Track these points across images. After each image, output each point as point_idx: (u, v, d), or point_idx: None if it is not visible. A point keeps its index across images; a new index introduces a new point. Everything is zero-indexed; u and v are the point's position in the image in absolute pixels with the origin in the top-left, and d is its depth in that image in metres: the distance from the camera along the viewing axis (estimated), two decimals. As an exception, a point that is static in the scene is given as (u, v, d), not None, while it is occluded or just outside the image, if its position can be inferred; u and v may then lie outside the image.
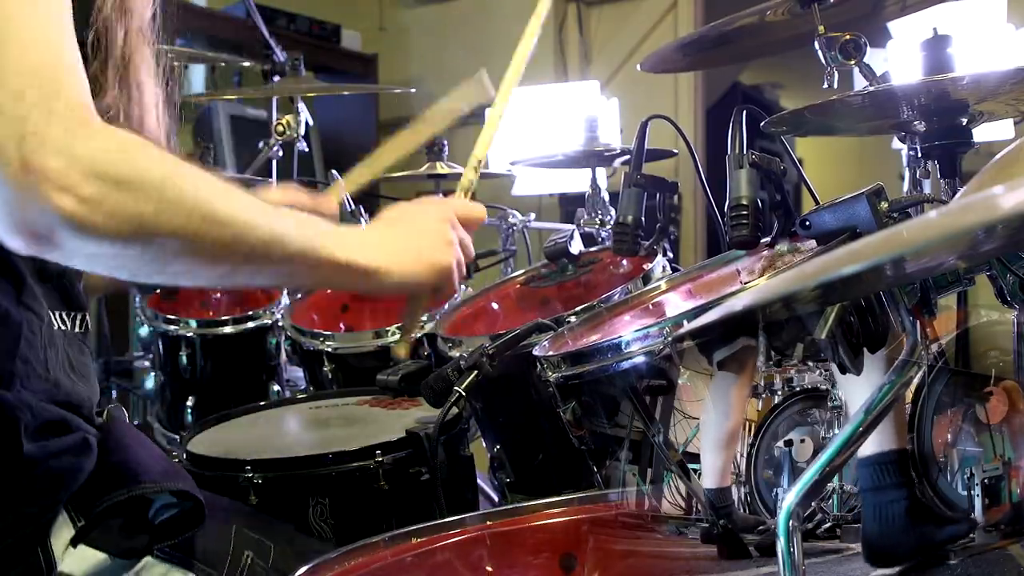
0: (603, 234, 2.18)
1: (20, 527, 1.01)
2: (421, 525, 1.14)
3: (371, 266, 1.06)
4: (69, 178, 0.82)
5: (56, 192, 0.82)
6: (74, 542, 1.04)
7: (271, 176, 2.98)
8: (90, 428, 1.09)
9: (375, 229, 1.15)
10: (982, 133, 1.45)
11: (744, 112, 1.33)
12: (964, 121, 1.35)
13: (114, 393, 2.89)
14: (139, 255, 0.89)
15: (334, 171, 2.25)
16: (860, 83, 1.48)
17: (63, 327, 1.11)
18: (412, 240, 1.13)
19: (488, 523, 1.17)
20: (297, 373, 2.35)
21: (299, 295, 2.38)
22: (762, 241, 1.31)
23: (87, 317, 1.16)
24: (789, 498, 0.77)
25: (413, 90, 4.42)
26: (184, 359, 2.31)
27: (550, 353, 1.26)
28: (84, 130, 0.85)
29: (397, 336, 1.25)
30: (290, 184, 1.52)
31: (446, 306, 1.99)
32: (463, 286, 2.15)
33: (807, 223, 1.11)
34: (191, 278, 1.00)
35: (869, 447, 1.01)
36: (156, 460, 1.13)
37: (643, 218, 1.63)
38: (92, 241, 0.85)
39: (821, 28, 1.44)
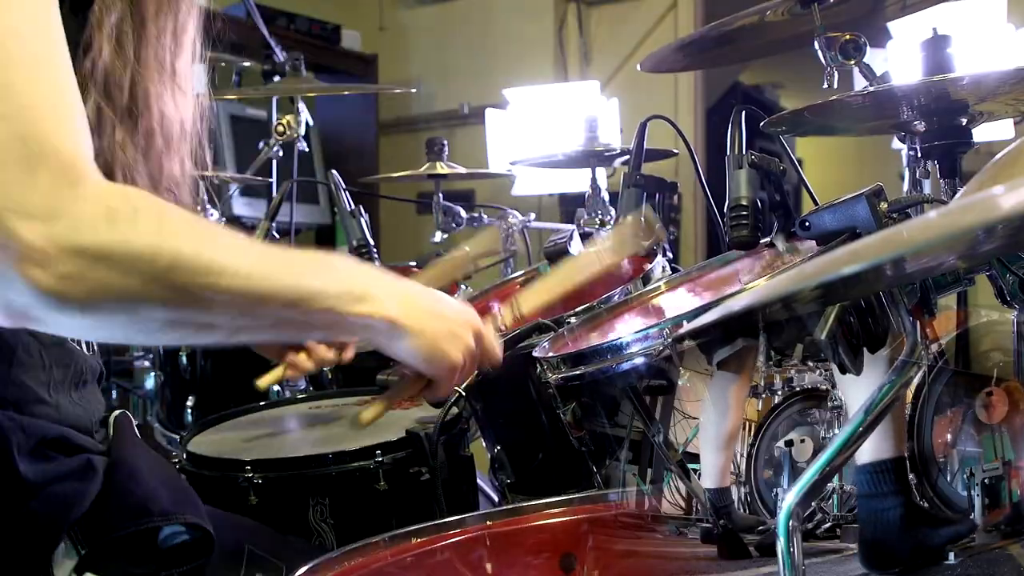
0: (603, 234, 2.18)
1: (21, 555, 0.99)
2: (421, 525, 1.14)
3: (392, 320, 0.98)
4: (47, 253, 0.75)
5: (33, 268, 0.75)
6: (78, 570, 1.02)
7: (271, 176, 2.98)
8: (94, 446, 1.07)
9: (406, 286, 1.05)
10: (982, 133, 1.45)
11: (744, 112, 1.33)
12: (964, 121, 1.35)
13: (114, 393, 2.89)
14: (125, 325, 0.83)
15: (334, 171, 2.26)
16: (860, 83, 1.48)
17: (77, 348, 1.09)
18: (441, 319, 1.05)
19: (488, 523, 1.17)
20: (297, 373, 2.35)
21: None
22: (762, 241, 1.31)
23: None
24: (789, 498, 0.77)
25: (413, 90, 4.43)
26: (184, 359, 2.31)
27: (550, 354, 1.26)
28: (70, 195, 0.77)
29: (365, 409, 1.18)
30: None
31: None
32: (464, 286, 2.15)
33: (807, 224, 1.11)
34: (188, 342, 0.93)
35: (866, 454, 1.01)
36: (165, 484, 1.10)
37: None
38: (73, 316, 0.79)
39: (821, 28, 1.44)
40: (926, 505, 1.02)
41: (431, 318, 1.04)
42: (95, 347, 1.14)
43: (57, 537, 1.01)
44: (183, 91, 1.06)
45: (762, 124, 1.37)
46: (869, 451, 1.01)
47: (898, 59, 2.71)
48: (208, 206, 2.47)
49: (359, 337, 1.03)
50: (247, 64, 3.66)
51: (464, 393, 1.41)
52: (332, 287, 0.93)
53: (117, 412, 1.18)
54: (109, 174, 0.96)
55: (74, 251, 0.76)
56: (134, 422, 1.20)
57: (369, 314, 0.96)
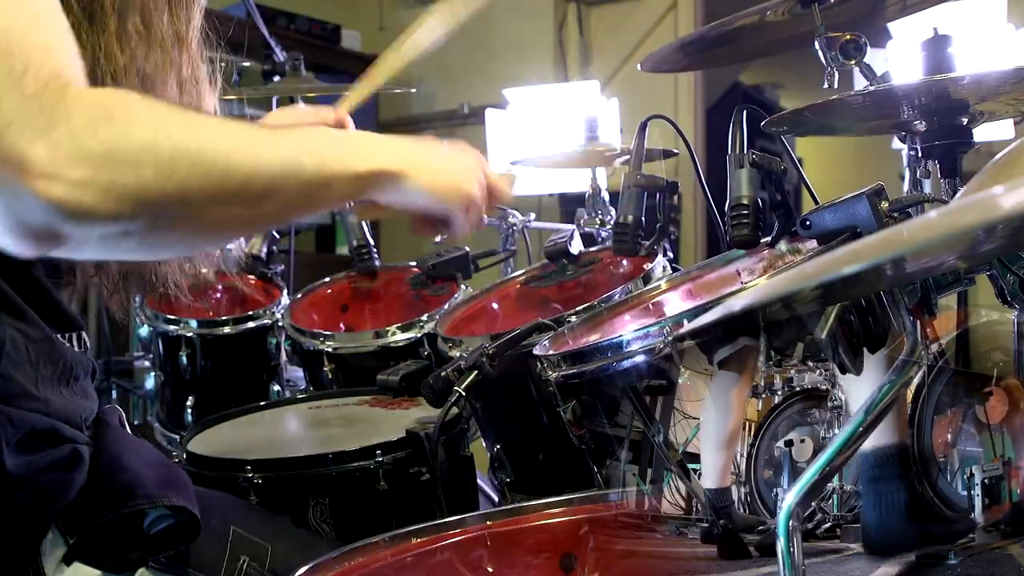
0: (603, 234, 2.18)
1: (9, 545, 0.99)
2: (421, 525, 1.14)
3: (394, 169, 1.00)
4: (54, 164, 0.74)
5: (43, 182, 0.74)
6: (67, 559, 1.02)
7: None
8: (81, 437, 1.07)
9: (400, 139, 1.07)
10: (982, 133, 1.45)
11: (744, 112, 1.33)
12: (964, 121, 1.35)
13: (114, 393, 2.89)
14: (152, 224, 0.81)
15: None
16: (860, 83, 1.48)
17: (67, 345, 1.09)
18: (441, 159, 1.08)
19: (488, 523, 1.16)
20: (297, 373, 2.35)
21: (299, 295, 2.38)
22: (762, 241, 1.31)
23: (84, 336, 1.14)
24: (789, 498, 0.77)
25: (413, 90, 4.42)
26: (184, 359, 2.31)
27: (550, 353, 1.26)
28: (62, 104, 0.76)
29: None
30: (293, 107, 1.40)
31: (446, 306, 1.99)
32: (464, 286, 2.15)
33: (807, 223, 1.11)
34: (215, 233, 0.92)
35: (871, 439, 1.00)
36: (151, 468, 1.10)
37: (643, 218, 1.63)
38: (98, 224, 0.78)
39: (821, 28, 1.44)
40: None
41: (436, 157, 1.07)
42: (86, 343, 1.14)
43: (44, 527, 1.01)
44: (188, 72, 1.07)
45: (762, 124, 1.37)
46: (874, 436, 1.00)
47: (898, 59, 2.71)
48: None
49: (370, 194, 1.03)
50: (247, 64, 3.65)
51: (464, 393, 1.41)
52: (324, 145, 0.95)
53: (105, 407, 1.18)
54: None
55: (79, 157, 0.76)
56: (123, 414, 1.20)
57: (373, 169, 0.98)
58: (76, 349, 1.11)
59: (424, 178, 1.04)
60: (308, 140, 0.94)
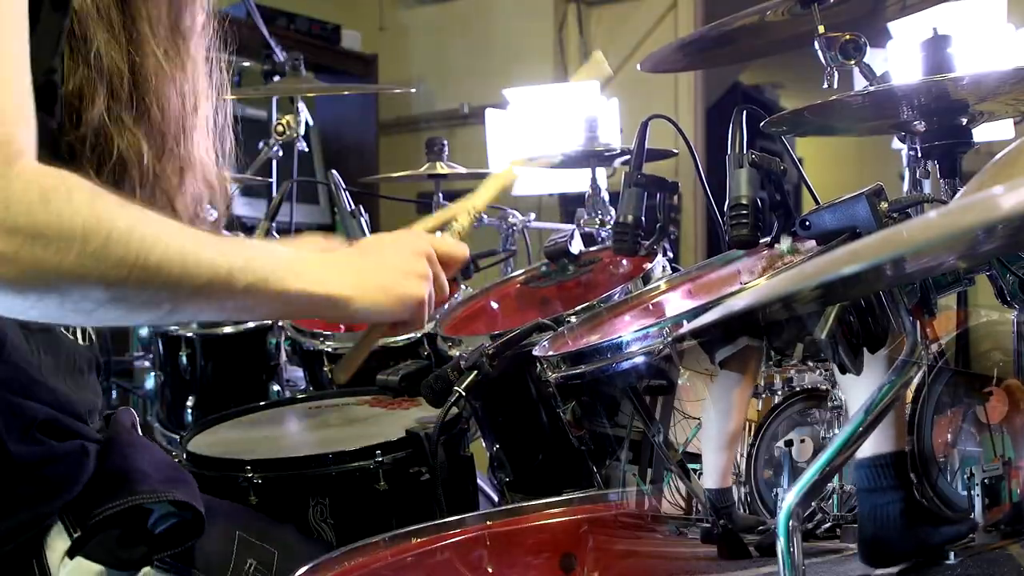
0: (603, 234, 2.18)
1: (13, 536, 1.00)
2: (421, 525, 1.14)
3: (332, 295, 1.01)
4: None
5: None
6: (70, 553, 1.02)
7: (271, 176, 2.98)
8: (90, 434, 1.08)
9: (342, 256, 1.09)
10: (982, 133, 1.45)
11: (744, 112, 1.33)
12: (964, 121, 1.35)
13: (114, 393, 2.89)
14: (59, 304, 0.83)
15: (334, 171, 2.26)
16: (860, 83, 1.48)
17: (70, 337, 1.10)
18: (380, 270, 1.07)
19: (488, 523, 1.17)
20: (297, 373, 2.35)
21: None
22: (762, 241, 1.31)
23: (88, 330, 1.14)
24: (789, 498, 0.77)
25: (413, 90, 4.43)
26: (184, 359, 2.32)
27: (550, 353, 1.26)
28: (3, 174, 0.78)
29: (339, 367, 1.22)
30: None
31: (446, 306, 1.99)
32: (463, 286, 2.15)
33: (807, 223, 1.11)
34: (123, 322, 0.92)
35: (867, 448, 1.01)
36: (157, 467, 1.10)
37: (643, 218, 1.63)
38: (6, 295, 0.80)
39: (821, 28, 1.44)
40: (926, 504, 1.02)
41: (374, 273, 1.06)
42: (91, 337, 1.15)
43: (50, 518, 1.02)
44: (191, 71, 1.07)
45: (762, 124, 1.37)
46: (869, 446, 1.01)
47: (898, 59, 2.71)
48: (208, 205, 2.47)
49: (306, 313, 1.05)
50: (247, 64, 3.66)
51: (464, 393, 1.41)
52: (265, 263, 0.95)
53: (120, 408, 1.19)
54: (123, 167, 0.97)
55: (7, 230, 0.77)
56: (136, 418, 1.20)
57: (305, 289, 0.98)
58: (81, 342, 1.11)
59: (363, 297, 1.04)
60: (250, 254, 0.94)
